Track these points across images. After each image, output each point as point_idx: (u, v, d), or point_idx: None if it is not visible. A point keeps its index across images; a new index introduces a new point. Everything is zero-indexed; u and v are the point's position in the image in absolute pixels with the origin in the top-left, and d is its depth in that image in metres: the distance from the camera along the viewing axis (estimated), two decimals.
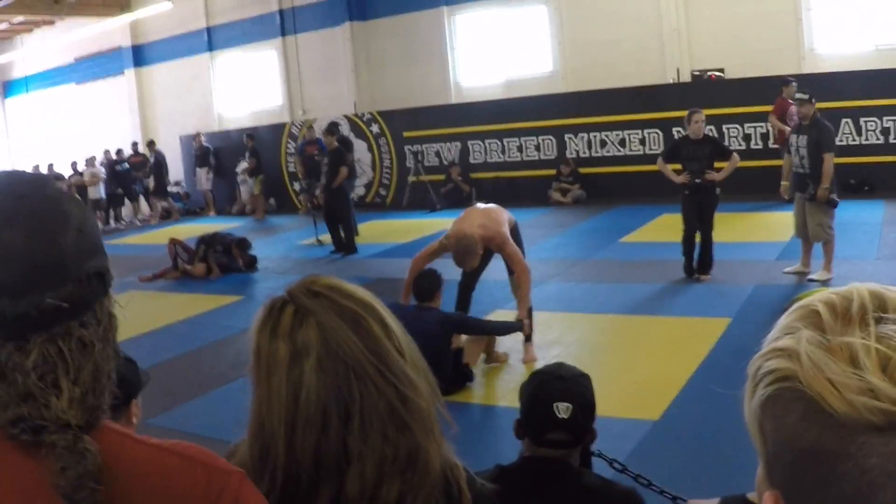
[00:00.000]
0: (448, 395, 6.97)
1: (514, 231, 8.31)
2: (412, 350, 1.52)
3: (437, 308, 7.50)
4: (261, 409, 1.49)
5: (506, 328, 7.85)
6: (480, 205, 8.53)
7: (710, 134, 10.84)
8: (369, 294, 1.56)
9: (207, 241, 14.38)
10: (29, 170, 22.38)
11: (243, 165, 22.75)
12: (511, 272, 8.21)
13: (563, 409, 2.78)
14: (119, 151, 24.55)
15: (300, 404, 1.44)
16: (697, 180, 10.38)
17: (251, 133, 23.03)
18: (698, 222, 10.51)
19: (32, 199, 1.21)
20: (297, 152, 20.31)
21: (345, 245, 15.11)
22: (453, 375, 7.23)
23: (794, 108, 14.22)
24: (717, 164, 10.61)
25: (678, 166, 10.70)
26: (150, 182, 24.04)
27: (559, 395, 2.81)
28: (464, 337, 7.58)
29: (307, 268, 14.08)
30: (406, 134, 21.20)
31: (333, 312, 1.47)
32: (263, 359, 1.49)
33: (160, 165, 23.98)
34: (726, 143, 16.87)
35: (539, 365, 7.77)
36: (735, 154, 10.58)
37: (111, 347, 1.26)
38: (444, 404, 1.58)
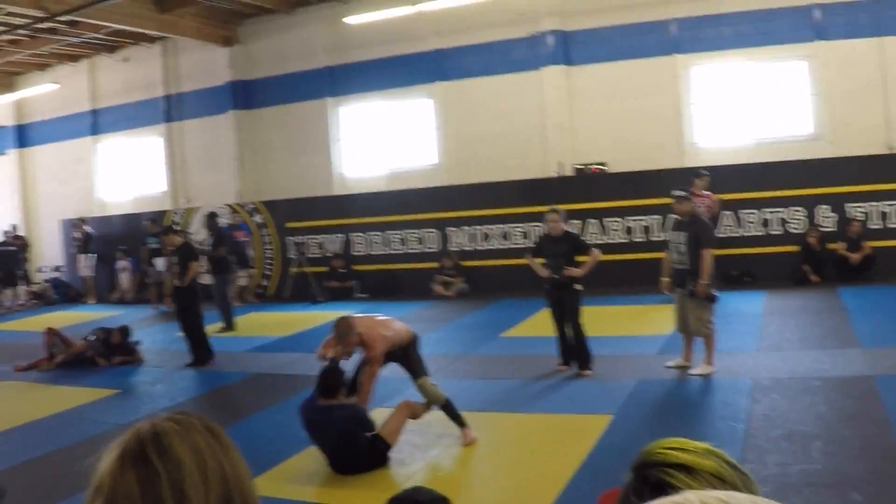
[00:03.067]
0: (367, 471, 7.50)
1: (414, 343, 8.52)
2: None
3: (341, 405, 7.64)
4: None
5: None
6: (380, 316, 8.77)
7: (570, 231, 10.94)
8: (197, 444, 1.36)
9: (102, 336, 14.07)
10: None
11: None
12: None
13: None
14: (6, 232, 23.78)
15: None
16: (556, 276, 10.48)
17: (153, 217, 22.09)
18: (563, 317, 10.58)
19: None
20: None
21: (200, 355, 13.30)
22: (370, 457, 7.58)
23: (704, 200, 14.45)
24: (580, 259, 10.65)
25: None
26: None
27: None
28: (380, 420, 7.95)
29: (185, 360, 13.44)
30: (289, 224, 20.89)
31: (130, 464, 1.32)
32: None
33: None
34: (608, 236, 17.11)
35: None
36: (595, 250, 10.56)
37: None
38: None
